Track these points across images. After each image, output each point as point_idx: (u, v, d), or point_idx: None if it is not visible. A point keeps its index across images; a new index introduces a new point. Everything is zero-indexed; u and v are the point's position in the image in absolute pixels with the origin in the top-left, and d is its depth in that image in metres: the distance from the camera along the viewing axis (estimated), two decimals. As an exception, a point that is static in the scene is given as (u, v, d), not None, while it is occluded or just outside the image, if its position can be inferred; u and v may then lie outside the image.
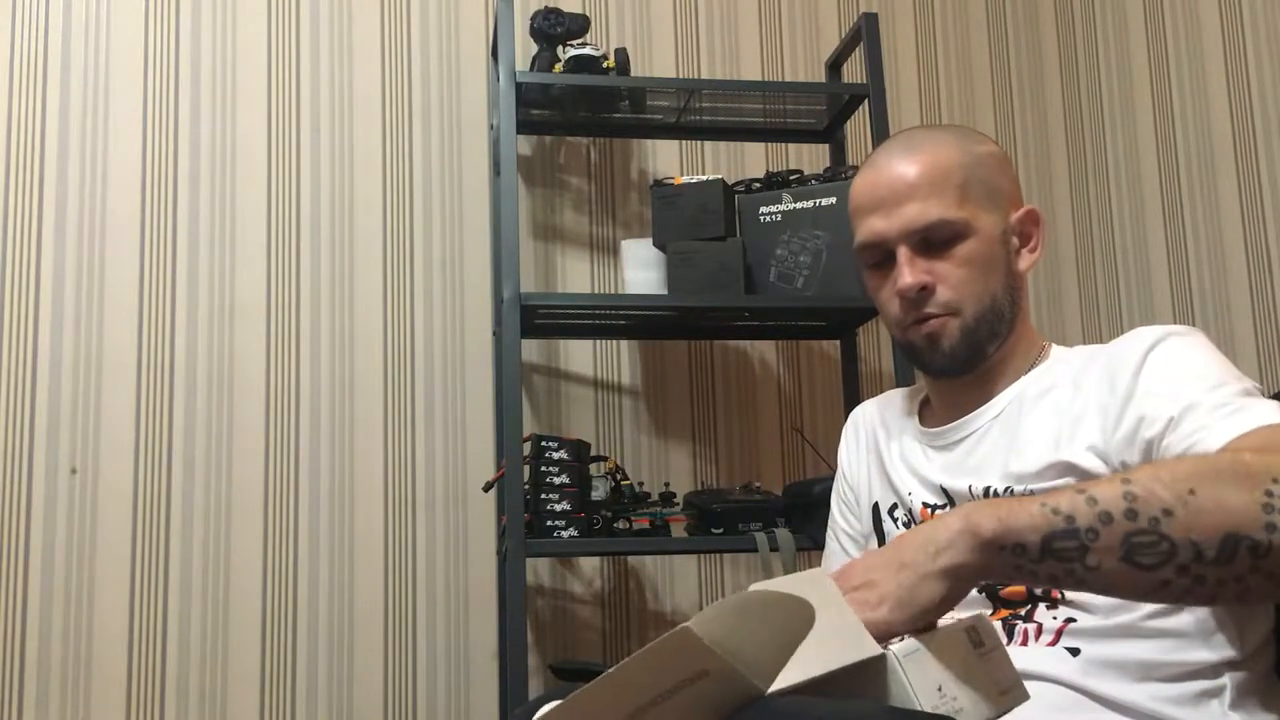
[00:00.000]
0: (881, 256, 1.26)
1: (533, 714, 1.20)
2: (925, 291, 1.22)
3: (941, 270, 1.22)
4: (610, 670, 0.85)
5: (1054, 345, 1.29)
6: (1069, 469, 1.12)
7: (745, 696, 0.86)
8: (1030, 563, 0.89)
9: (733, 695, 0.85)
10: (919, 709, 0.84)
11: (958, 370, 1.25)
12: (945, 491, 1.23)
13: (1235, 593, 0.89)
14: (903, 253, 1.22)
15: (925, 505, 1.25)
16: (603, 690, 0.86)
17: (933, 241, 1.22)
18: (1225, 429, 1.00)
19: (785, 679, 0.85)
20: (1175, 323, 2.32)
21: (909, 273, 1.22)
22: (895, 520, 1.31)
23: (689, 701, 0.84)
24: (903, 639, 0.90)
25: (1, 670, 2.12)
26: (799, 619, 0.85)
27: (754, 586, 0.87)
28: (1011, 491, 1.16)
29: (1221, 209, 2.26)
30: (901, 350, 1.30)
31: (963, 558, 0.90)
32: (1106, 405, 1.12)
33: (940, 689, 0.86)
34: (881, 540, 1.33)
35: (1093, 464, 1.11)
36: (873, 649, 0.87)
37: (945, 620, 0.94)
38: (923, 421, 1.33)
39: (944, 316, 1.23)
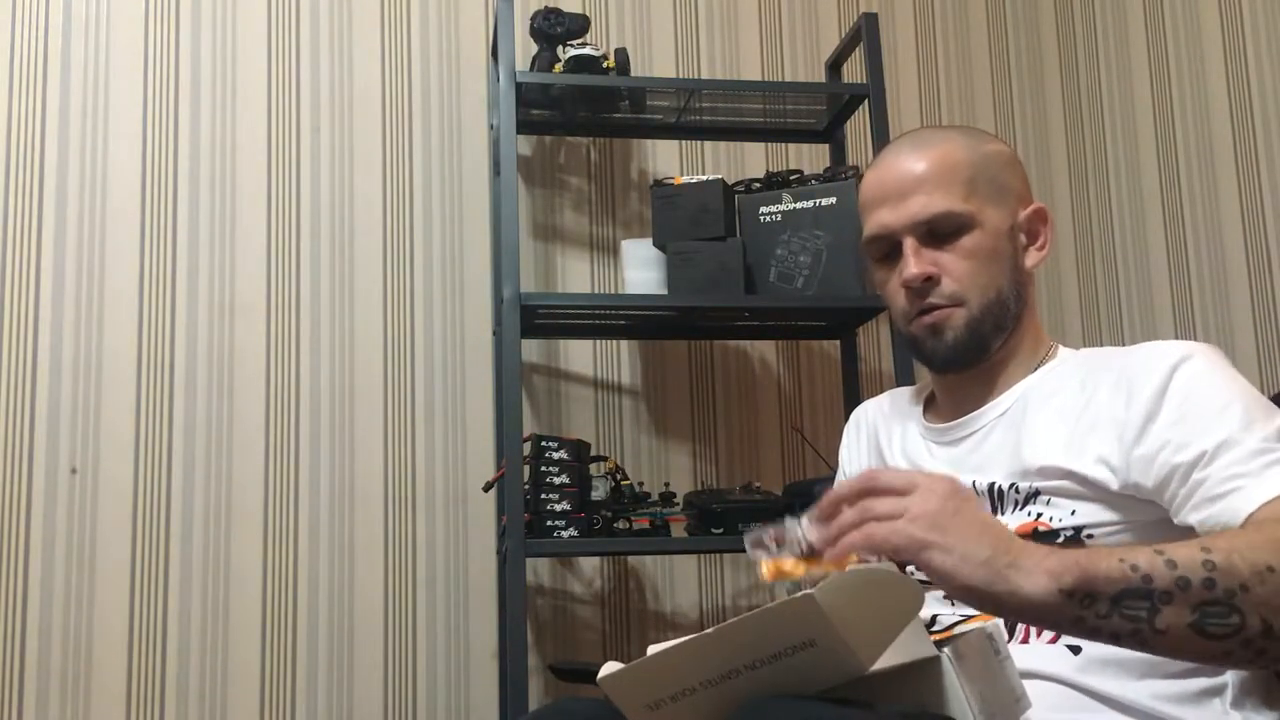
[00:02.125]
0: (888, 249, 1.26)
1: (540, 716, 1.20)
2: (930, 282, 1.23)
3: (947, 262, 1.22)
4: (716, 627, 0.85)
5: (1061, 346, 1.29)
6: (1073, 476, 1.12)
7: (842, 673, 0.87)
8: (1096, 616, 0.89)
9: (831, 670, 0.87)
10: (967, 711, 0.86)
11: (961, 363, 1.25)
12: None
13: (1271, 657, 0.92)
14: (909, 244, 1.23)
15: None
16: (704, 645, 0.87)
17: (938, 233, 1.23)
18: (1269, 481, 1.01)
19: None
20: (1175, 322, 2.33)
21: (914, 263, 1.22)
22: None
23: (785, 671, 0.86)
24: (951, 639, 0.92)
25: (1, 670, 2.12)
26: (909, 603, 0.87)
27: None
28: (1016, 489, 1.16)
29: (1221, 209, 2.26)
30: (906, 344, 1.30)
31: (1028, 591, 0.89)
32: (1124, 420, 1.11)
33: (981, 693, 0.88)
34: None
35: (1102, 475, 1.11)
36: (929, 650, 0.89)
37: (965, 626, 0.95)
38: (927, 417, 1.33)
39: (949, 308, 1.23)
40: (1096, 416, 1.14)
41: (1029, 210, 1.28)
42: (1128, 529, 1.10)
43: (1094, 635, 0.91)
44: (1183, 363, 1.11)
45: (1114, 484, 1.10)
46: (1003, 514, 1.17)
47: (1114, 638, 0.90)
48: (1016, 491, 1.16)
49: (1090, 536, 1.10)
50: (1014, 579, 0.89)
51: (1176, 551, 0.91)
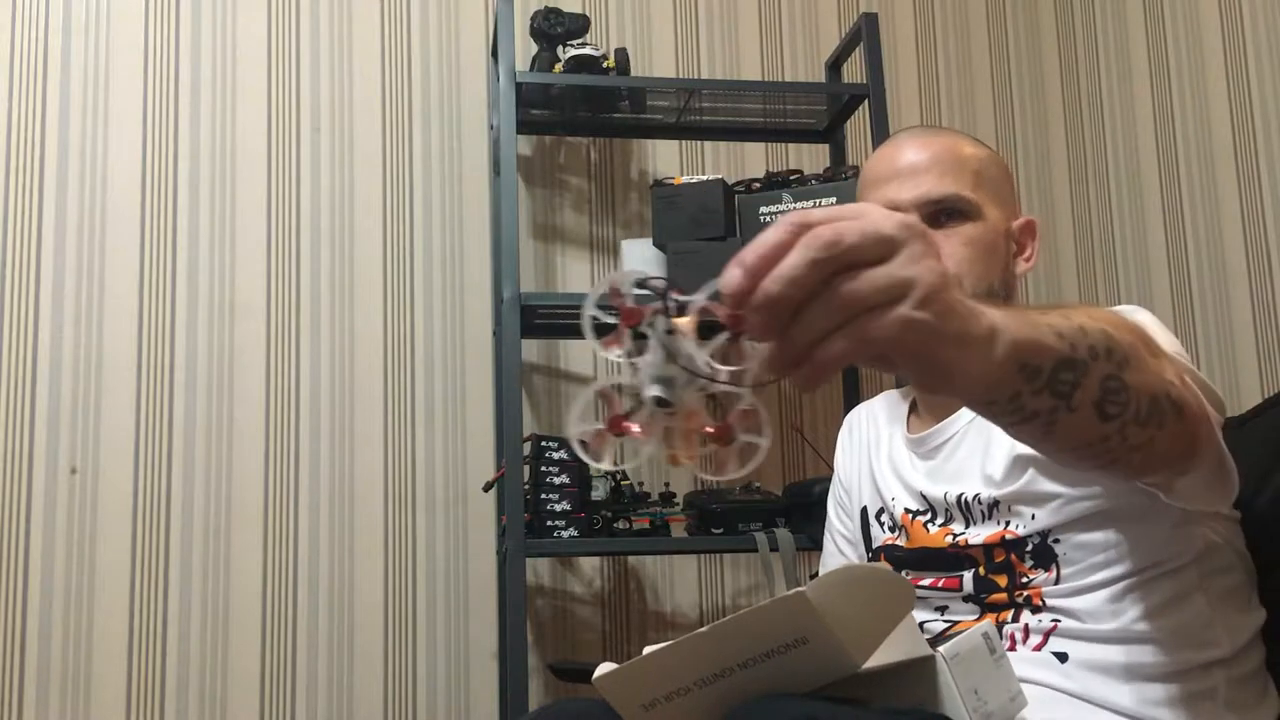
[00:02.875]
0: None
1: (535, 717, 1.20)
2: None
3: (947, 246, 1.22)
4: (709, 626, 0.85)
5: None
6: (1027, 460, 1.12)
7: (835, 671, 0.86)
8: (1031, 392, 0.76)
9: (824, 668, 0.86)
10: (962, 709, 0.86)
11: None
12: (925, 498, 1.24)
13: (1138, 460, 0.87)
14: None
15: (907, 511, 1.26)
16: (697, 644, 0.87)
17: (943, 217, 1.23)
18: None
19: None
20: (1175, 322, 2.33)
21: None
22: (882, 525, 1.31)
23: (778, 669, 0.85)
24: (947, 640, 0.91)
25: (1, 670, 2.12)
26: (901, 600, 0.86)
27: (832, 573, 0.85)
28: (979, 498, 1.16)
29: (1221, 209, 2.25)
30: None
31: (989, 351, 0.72)
32: None
33: (976, 692, 0.89)
34: (868, 545, 1.33)
35: None
36: (924, 649, 0.89)
37: (960, 628, 0.96)
38: (909, 426, 1.34)
39: None
40: None
41: (1021, 221, 1.30)
42: (1091, 530, 1.09)
43: (1013, 415, 0.78)
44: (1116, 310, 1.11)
45: None
46: (973, 525, 1.18)
47: (1030, 417, 0.78)
48: (979, 502, 1.17)
49: (1057, 541, 1.10)
50: (986, 345, 0.71)
51: (1077, 314, 0.82)
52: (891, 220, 0.66)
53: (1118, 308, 1.10)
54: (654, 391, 0.69)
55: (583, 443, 0.73)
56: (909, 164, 1.25)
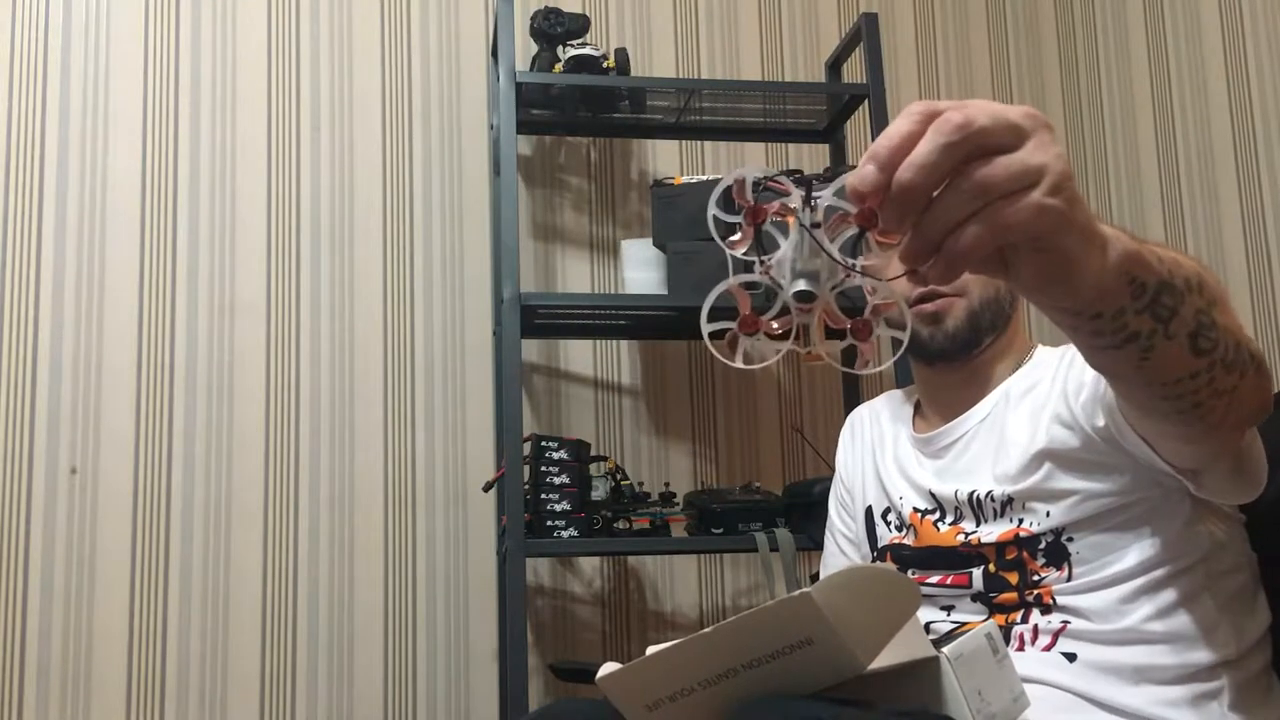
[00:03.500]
0: None
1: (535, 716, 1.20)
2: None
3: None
4: (714, 626, 0.85)
5: (1040, 346, 1.30)
6: (1045, 454, 1.12)
7: (840, 672, 0.86)
8: (1135, 309, 0.76)
9: (828, 669, 0.86)
10: (965, 710, 0.86)
11: (955, 353, 1.25)
12: (934, 496, 1.24)
13: (1221, 408, 0.86)
14: None
15: (915, 510, 1.26)
16: (701, 645, 0.86)
17: None
18: None
19: None
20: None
21: None
22: (888, 524, 1.31)
23: (782, 670, 0.85)
24: (951, 640, 0.91)
25: (1, 670, 2.12)
26: (906, 602, 0.86)
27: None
28: (992, 496, 1.16)
29: (1221, 209, 2.26)
30: None
31: (1106, 266, 0.72)
32: (1064, 377, 1.13)
33: (979, 692, 0.89)
34: (873, 545, 1.33)
35: (1061, 436, 1.11)
36: (928, 650, 0.89)
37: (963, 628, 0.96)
38: (915, 425, 1.33)
39: (951, 296, 1.24)
40: (1049, 390, 1.16)
41: None
42: (1105, 530, 1.10)
43: (1115, 333, 0.78)
44: None
45: (1075, 440, 1.10)
46: (985, 523, 1.17)
47: (1130, 339, 0.78)
48: (993, 500, 1.17)
49: (1070, 540, 1.10)
50: (1101, 249, 0.72)
51: (1168, 251, 0.81)
52: (1017, 108, 0.66)
53: None
54: (800, 286, 0.67)
55: (715, 340, 0.71)
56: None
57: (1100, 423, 1.06)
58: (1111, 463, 1.08)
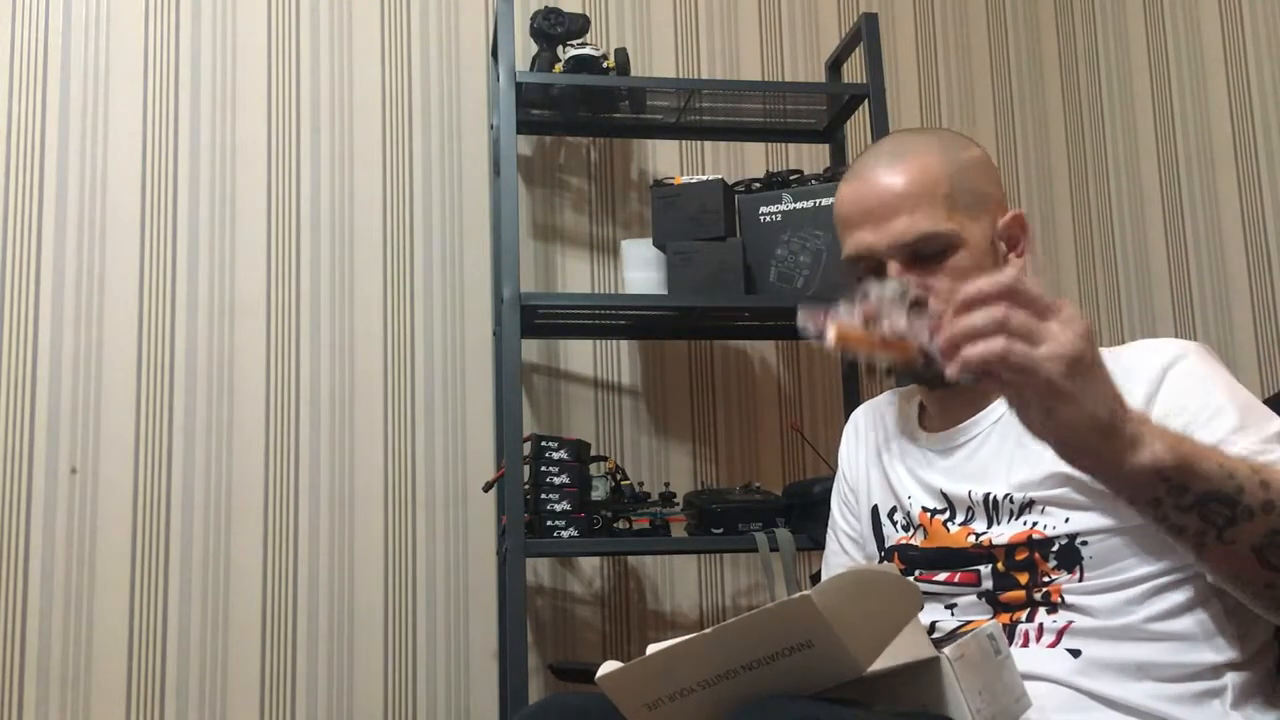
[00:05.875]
0: (873, 267, 1.23)
1: (534, 714, 1.20)
2: (919, 305, 1.21)
3: (932, 283, 1.20)
4: (715, 627, 0.85)
5: None
6: (1072, 481, 1.11)
7: (840, 674, 0.87)
8: (1176, 507, 0.89)
9: (828, 671, 0.86)
10: (966, 711, 0.86)
11: (955, 383, 1.25)
12: (945, 496, 1.23)
13: None
14: (893, 267, 1.20)
15: (925, 509, 1.25)
16: (702, 645, 0.86)
17: (923, 254, 1.20)
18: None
19: None
20: (1175, 322, 2.33)
21: None
22: (895, 523, 1.30)
23: (782, 672, 0.85)
24: (952, 642, 0.91)
25: (1, 670, 2.12)
26: (907, 604, 0.86)
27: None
28: (1011, 499, 1.15)
29: (1221, 209, 2.26)
30: (896, 365, 1.30)
31: (1134, 461, 0.87)
32: None
33: (980, 693, 0.89)
34: (880, 544, 1.33)
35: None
36: (929, 651, 0.89)
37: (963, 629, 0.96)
38: (922, 424, 1.33)
39: None
40: None
41: (1007, 217, 1.25)
42: (1121, 534, 1.09)
43: (1159, 522, 0.90)
44: (1175, 363, 1.11)
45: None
46: (997, 524, 1.16)
47: (1176, 531, 0.90)
48: (1011, 502, 1.15)
49: (1085, 544, 1.10)
50: (1127, 448, 0.88)
51: (1272, 475, 0.92)
52: (1058, 301, 0.87)
53: (1182, 344, 1.13)
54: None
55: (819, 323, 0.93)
56: (878, 201, 1.21)
57: None
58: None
